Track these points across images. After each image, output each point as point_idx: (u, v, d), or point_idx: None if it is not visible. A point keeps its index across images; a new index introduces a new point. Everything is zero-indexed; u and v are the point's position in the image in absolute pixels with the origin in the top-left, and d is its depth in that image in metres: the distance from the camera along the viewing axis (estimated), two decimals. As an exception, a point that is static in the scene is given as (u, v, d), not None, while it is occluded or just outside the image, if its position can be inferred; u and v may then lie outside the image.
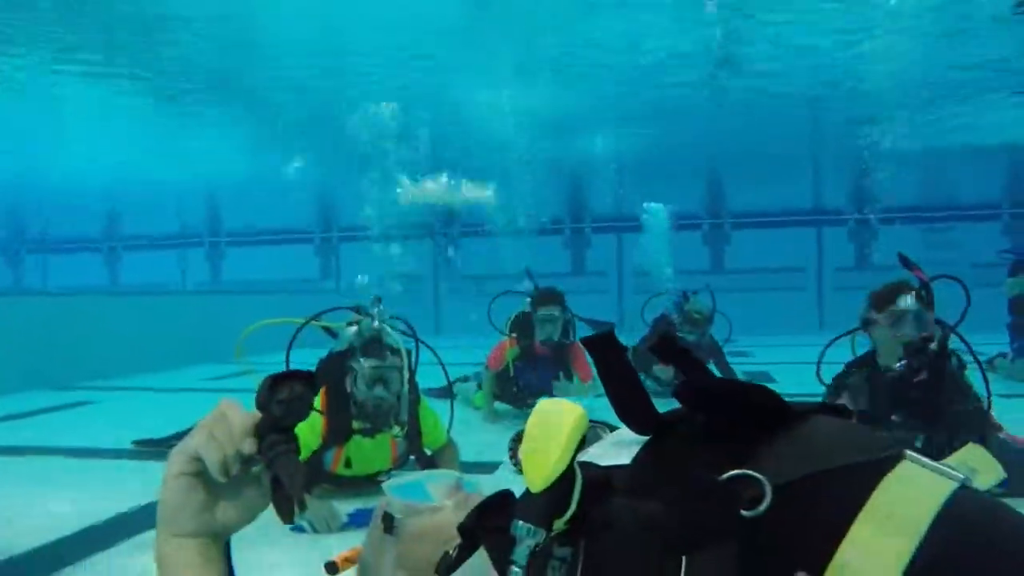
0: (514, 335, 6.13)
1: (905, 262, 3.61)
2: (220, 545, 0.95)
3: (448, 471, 1.37)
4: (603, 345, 0.83)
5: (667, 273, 9.52)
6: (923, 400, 3.21)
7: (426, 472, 1.33)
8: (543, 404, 0.75)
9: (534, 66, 10.54)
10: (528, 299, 6.24)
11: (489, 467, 4.68)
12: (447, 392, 5.05)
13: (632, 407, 0.81)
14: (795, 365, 9.59)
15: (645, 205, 13.83)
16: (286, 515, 0.91)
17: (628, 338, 7.42)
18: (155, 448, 5.20)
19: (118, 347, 9.83)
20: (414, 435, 3.97)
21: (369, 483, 4.05)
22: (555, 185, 17.69)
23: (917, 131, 13.53)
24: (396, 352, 3.80)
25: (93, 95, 11.58)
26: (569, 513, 0.71)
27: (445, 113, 12.46)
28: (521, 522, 0.70)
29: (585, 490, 0.72)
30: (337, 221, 20.10)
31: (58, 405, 7.51)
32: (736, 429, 0.72)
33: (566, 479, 0.70)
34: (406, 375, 3.79)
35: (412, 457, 4.08)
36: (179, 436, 5.33)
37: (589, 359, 5.15)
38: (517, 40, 9.56)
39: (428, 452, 4.13)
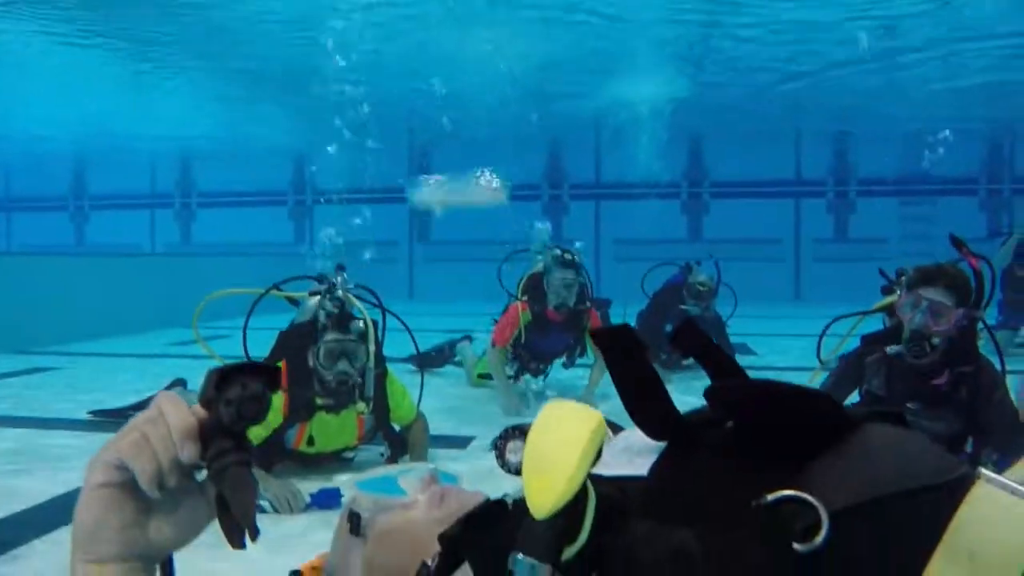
0: (526, 298, 5.63)
1: (956, 243, 3.21)
2: (153, 571, 0.75)
3: (422, 465, 1.19)
4: (618, 341, 0.68)
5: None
6: (943, 394, 2.99)
7: (399, 467, 1.17)
8: (551, 408, 0.62)
9: (516, 15, 10.16)
10: (539, 261, 5.83)
11: (462, 441, 4.51)
12: (420, 362, 4.88)
13: (648, 408, 0.67)
14: (773, 337, 9.53)
15: None
16: (235, 540, 0.71)
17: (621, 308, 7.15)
18: (111, 419, 4.98)
19: (82, 310, 9.51)
20: (381, 411, 3.78)
21: (333, 460, 3.87)
22: (534, 150, 17.42)
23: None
24: (360, 323, 3.59)
25: (57, 50, 11.10)
26: (580, 543, 0.58)
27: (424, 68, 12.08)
28: (522, 556, 0.56)
29: (598, 514, 0.59)
30: (312, 183, 19.66)
31: (13, 371, 7.23)
32: (777, 441, 0.60)
33: (577, 501, 0.57)
34: (372, 348, 3.58)
35: (379, 433, 3.89)
36: (138, 406, 5.11)
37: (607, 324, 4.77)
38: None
39: (396, 427, 3.95)
